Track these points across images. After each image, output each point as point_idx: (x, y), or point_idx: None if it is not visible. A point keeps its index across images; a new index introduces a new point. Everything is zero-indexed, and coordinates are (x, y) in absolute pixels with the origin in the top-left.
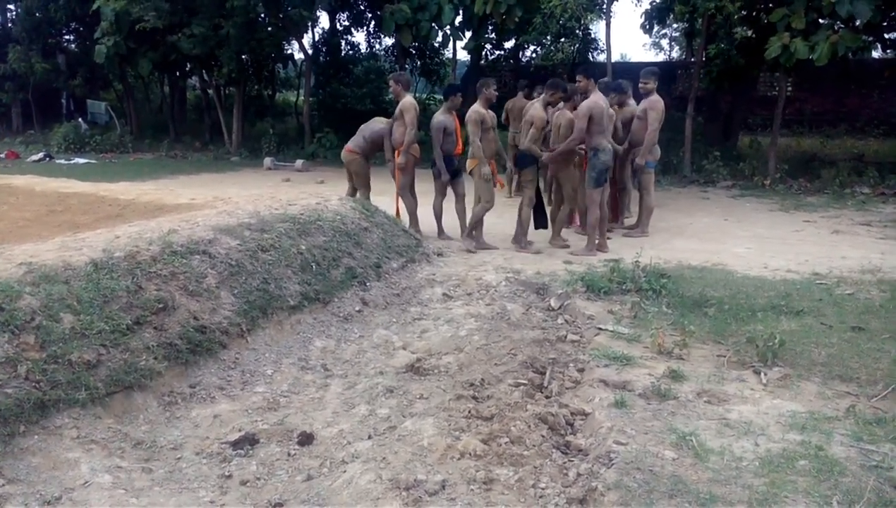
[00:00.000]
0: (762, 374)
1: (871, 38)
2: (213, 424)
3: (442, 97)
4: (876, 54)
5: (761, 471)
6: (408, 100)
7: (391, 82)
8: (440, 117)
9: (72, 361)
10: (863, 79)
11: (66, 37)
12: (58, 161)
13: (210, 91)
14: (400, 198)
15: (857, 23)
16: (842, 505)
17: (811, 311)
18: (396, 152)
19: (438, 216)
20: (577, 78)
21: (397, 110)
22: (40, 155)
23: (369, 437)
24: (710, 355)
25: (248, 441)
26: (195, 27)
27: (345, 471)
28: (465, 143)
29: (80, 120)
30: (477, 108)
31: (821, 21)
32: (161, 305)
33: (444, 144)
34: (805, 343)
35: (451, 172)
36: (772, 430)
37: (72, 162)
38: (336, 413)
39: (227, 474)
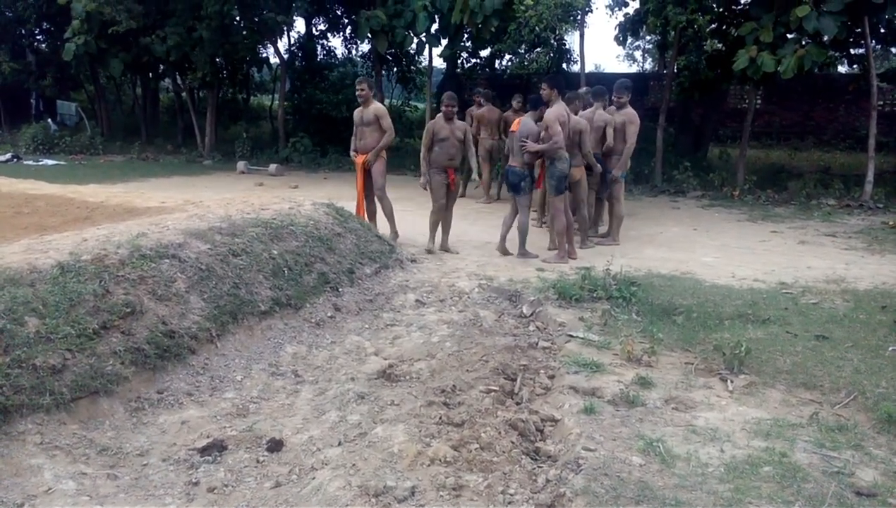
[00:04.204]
0: (728, 382)
1: (837, 54)
2: (180, 430)
3: (530, 107)
4: (842, 69)
5: (726, 477)
6: (381, 106)
7: (364, 85)
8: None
9: (36, 366)
10: (829, 93)
11: (37, 36)
12: (26, 162)
13: (183, 93)
14: (377, 202)
15: (825, 38)
16: None
17: (777, 320)
18: (361, 157)
19: (525, 233)
20: (542, 86)
21: (370, 115)
22: (8, 155)
23: (339, 444)
24: (678, 362)
25: (216, 448)
26: (169, 30)
27: (314, 478)
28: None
29: (49, 120)
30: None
31: (788, 36)
32: (129, 309)
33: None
34: (771, 351)
35: None
36: (737, 437)
37: (40, 163)
38: (306, 419)
39: (194, 481)
